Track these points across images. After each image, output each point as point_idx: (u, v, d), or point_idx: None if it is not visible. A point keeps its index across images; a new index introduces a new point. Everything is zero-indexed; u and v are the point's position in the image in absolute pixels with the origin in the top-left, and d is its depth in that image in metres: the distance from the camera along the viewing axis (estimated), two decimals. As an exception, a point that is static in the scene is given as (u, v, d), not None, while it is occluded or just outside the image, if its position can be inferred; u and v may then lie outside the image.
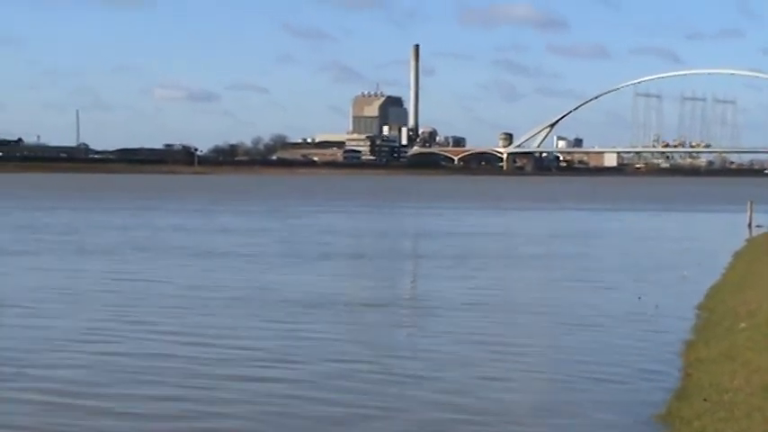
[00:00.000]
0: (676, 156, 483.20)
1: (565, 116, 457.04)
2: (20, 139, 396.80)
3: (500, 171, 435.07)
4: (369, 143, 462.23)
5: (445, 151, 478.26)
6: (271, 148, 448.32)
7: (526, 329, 26.57)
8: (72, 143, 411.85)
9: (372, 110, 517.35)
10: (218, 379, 20.01)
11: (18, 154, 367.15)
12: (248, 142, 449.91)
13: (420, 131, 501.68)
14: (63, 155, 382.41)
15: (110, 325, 26.32)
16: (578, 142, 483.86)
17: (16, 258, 44.62)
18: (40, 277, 37.41)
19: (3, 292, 32.69)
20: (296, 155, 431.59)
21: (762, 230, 65.79)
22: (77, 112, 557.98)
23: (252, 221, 76.07)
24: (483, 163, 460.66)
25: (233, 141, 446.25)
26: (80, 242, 53.89)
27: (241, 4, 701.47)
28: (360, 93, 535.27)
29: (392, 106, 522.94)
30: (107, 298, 31.59)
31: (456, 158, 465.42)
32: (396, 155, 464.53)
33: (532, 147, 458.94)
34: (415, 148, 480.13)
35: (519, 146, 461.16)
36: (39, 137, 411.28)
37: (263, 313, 28.53)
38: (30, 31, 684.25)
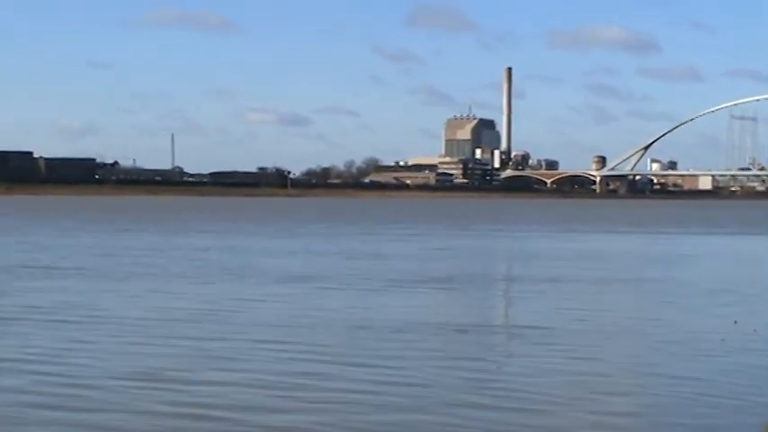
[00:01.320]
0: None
1: (658, 139, 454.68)
2: (116, 163, 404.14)
3: (593, 194, 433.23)
4: (461, 166, 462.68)
5: (538, 174, 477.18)
6: (363, 171, 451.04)
7: (623, 353, 26.44)
8: (167, 166, 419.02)
9: (465, 133, 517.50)
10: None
11: (114, 177, 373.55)
12: (341, 165, 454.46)
13: (513, 154, 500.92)
14: (158, 178, 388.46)
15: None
16: (672, 165, 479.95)
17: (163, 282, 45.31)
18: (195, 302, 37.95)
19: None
20: (388, 178, 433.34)
21: None
22: (172, 135, 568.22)
23: (347, 243, 76.35)
24: (576, 186, 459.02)
25: (325, 164, 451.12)
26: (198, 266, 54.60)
27: (332, 27, 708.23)
28: (452, 115, 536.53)
29: (484, 129, 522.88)
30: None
31: (549, 182, 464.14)
32: (488, 178, 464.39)
33: (626, 170, 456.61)
34: (508, 171, 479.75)
35: (612, 169, 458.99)
36: (134, 160, 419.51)
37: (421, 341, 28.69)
38: (123, 55, 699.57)
